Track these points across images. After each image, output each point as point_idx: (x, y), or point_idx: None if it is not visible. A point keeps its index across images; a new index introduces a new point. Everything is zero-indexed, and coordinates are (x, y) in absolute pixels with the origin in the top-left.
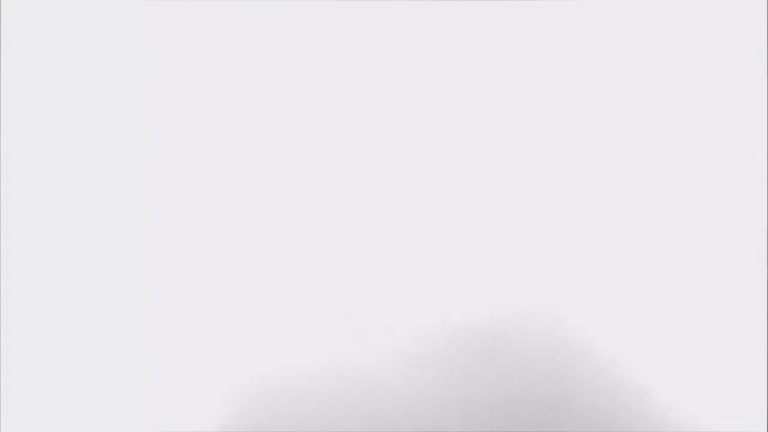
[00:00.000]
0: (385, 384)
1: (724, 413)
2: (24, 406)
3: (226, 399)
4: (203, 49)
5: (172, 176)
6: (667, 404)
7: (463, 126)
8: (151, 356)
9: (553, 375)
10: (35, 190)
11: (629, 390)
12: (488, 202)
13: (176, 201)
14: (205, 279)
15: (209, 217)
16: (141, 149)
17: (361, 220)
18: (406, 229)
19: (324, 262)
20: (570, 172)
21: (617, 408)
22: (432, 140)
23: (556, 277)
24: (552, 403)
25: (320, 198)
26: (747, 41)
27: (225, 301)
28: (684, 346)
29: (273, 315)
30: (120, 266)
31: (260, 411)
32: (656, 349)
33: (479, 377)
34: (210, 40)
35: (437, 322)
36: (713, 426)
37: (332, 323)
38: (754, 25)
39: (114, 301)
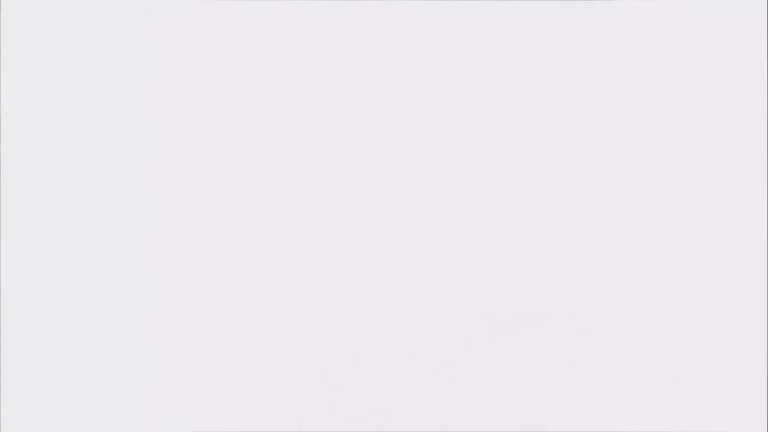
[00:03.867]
0: None
1: (724, 414)
2: (24, 406)
3: (225, 399)
4: (203, 50)
5: (172, 177)
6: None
7: (464, 129)
8: (150, 356)
9: None
10: (36, 190)
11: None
12: (489, 207)
13: (176, 201)
14: (204, 279)
15: (209, 217)
16: (141, 150)
17: (363, 223)
18: (408, 233)
19: (323, 264)
20: (570, 175)
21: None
22: (435, 148)
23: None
24: None
25: (321, 200)
26: (748, 44)
27: (224, 301)
28: (683, 347)
29: (272, 315)
30: (120, 266)
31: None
32: (656, 348)
33: None
34: (210, 40)
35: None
36: (714, 426)
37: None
38: (755, 28)
39: (114, 301)
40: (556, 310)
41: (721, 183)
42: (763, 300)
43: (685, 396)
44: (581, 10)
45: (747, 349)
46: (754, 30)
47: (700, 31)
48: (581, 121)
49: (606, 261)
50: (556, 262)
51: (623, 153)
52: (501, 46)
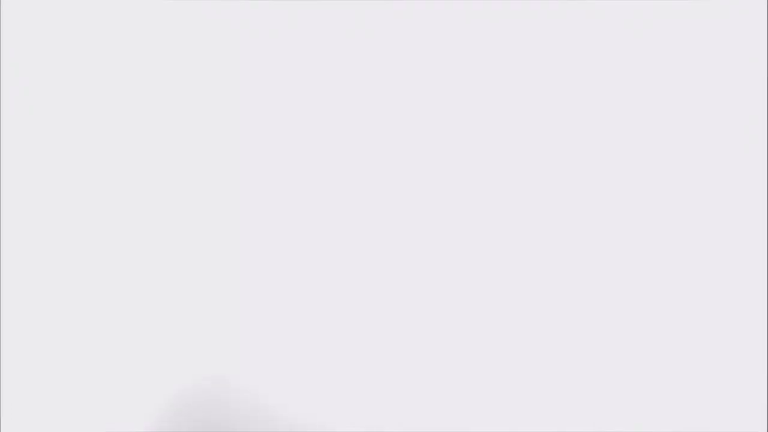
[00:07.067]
0: None
1: (723, 414)
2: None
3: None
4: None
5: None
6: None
7: (465, 131)
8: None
9: None
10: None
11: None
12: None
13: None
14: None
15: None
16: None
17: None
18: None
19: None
20: (569, 177)
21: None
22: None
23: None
24: None
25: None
26: (749, 45)
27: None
28: (682, 348)
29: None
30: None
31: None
32: (654, 349)
33: None
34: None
35: None
36: (713, 426)
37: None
38: (755, 29)
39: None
40: (556, 310)
41: (721, 184)
42: (763, 300)
43: (685, 396)
44: (580, 11)
45: (747, 349)
46: (754, 30)
47: (700, 31)
48: (581, 121)
49: (605, 261)
50: (555, 262)
51: (626, 154)
52: (502, 47)
